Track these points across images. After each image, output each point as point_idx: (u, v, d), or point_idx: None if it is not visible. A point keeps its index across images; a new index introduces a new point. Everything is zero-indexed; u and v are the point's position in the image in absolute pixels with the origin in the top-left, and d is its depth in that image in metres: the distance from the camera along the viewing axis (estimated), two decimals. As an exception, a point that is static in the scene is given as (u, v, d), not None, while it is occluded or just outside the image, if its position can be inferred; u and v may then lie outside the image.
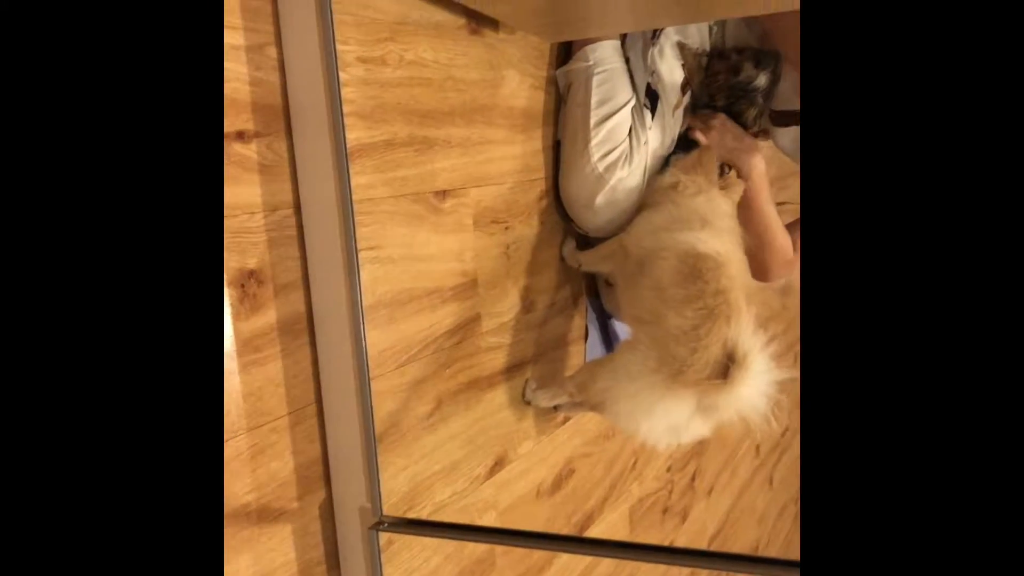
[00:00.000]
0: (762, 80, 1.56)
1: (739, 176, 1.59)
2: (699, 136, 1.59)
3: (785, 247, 1.64)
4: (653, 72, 1.55)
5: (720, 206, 1.50)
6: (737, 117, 1.61)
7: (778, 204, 1.70)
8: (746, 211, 1.60)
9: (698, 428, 1.38)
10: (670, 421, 1.37)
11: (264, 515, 1.08)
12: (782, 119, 1.62)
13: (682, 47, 1.58)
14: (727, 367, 1.27)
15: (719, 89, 1.59)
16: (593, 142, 1.50)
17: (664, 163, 1.61)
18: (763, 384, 1.28)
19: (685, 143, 1.61)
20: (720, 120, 1.59)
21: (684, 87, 1.59)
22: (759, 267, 1.63)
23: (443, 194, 1.33)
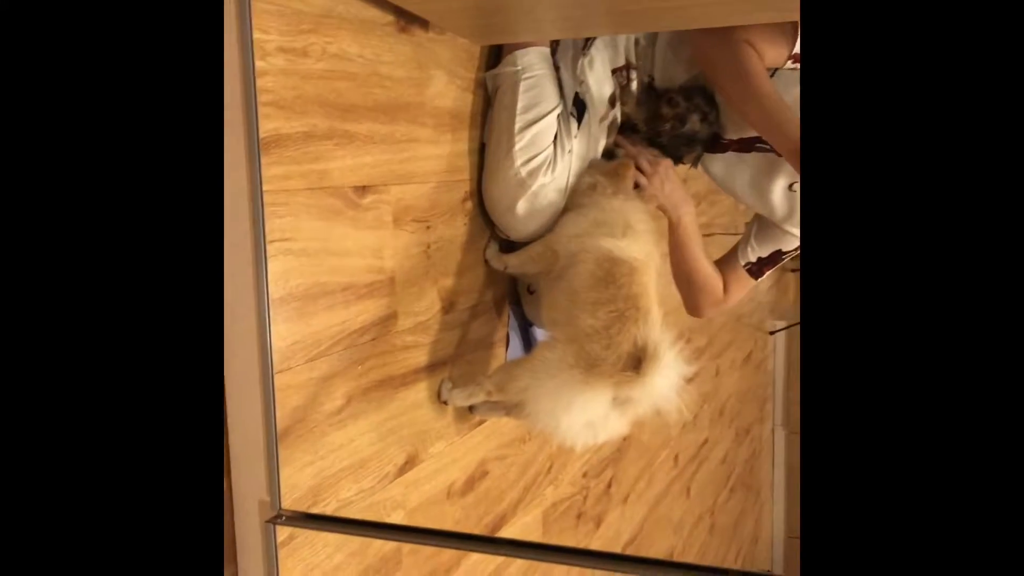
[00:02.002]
0: (704, 132, 1.61)
1: (670, 223, 1.65)
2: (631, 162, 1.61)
3: (715, 289, 1.72)
4: (582, 82, 1.57)
5: (639, 208, 1.53)
6: (676, 158, 1.65)
7: (705, 235, 1.76)
8: (677, 257, 1.69)
9: (615, 425, 1.42)
10: (588, 417, 1.40)
11: (157, 505, 1.06)
12: (713, 146, 1.65)
13: (616, 72, 1.61)
14: (639, 360, 1.31)
15: (663, 134, 1.62)
16: (517, 147, 1.51)
17: None
18: (674, 376, 1.32)
19: (608, 154, 1.63)
20: (665, 167, 1.61)
21: (612, 101, 1.62)
22: (691, 306, 1.75)
23: (363, 190, 1.33)
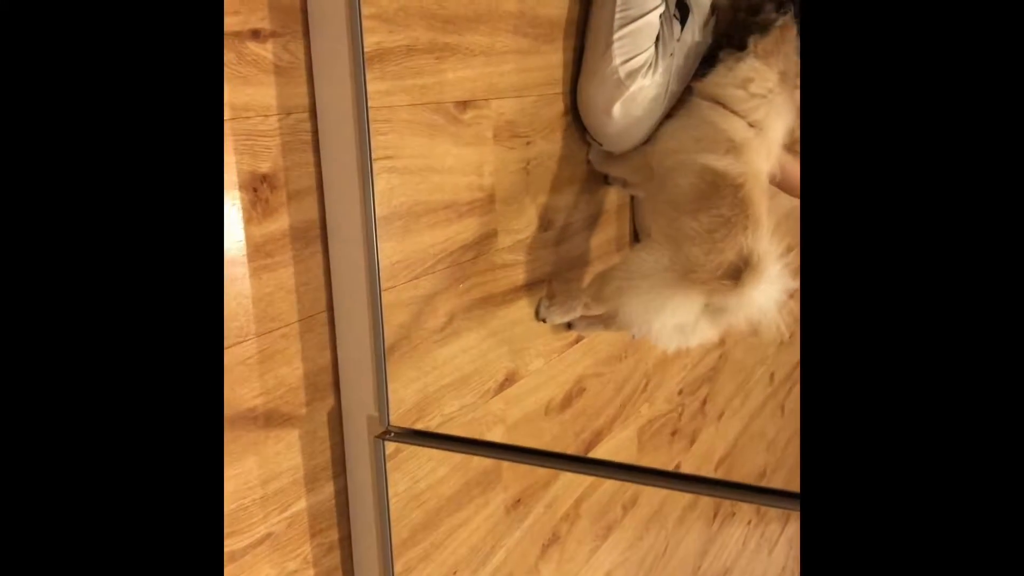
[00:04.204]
0: (780, 22, 1.50)
1: None
2: None
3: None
4: (687, -17, 1.49)
5: (774, 114, 1.45)
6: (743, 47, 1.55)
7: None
8: None
9: (706, 331, 1.40)
10: (679, 320, 1.38)
11: (271, 419, 1.09)
12: None
13: None
14: (740, 271, 1.27)
15: (733, 25, 1.53)
16: (616, 44, 1.44)
17: (693, 75, 1.55)
18: (775, 291, 1.28)
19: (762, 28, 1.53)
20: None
21: (714, 7, 1.53)
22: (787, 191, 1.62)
23: (463, 105, 1.30)
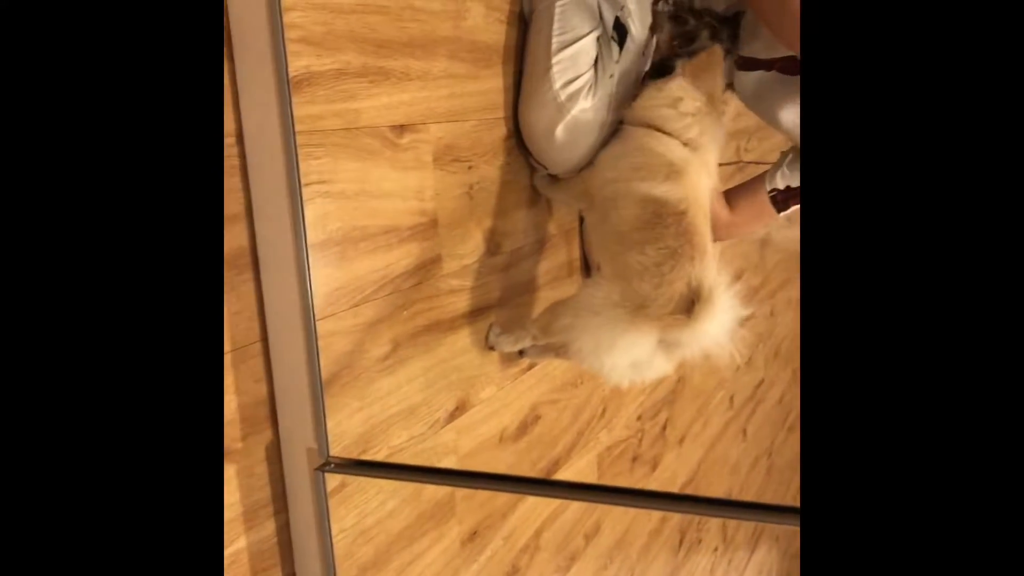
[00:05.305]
0: (708, 47, 1.52)
1: None
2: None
3: (719, 215, 1.58)
4: (622, 7, 1.49)
5: (707, 133, 1.45)
6: None
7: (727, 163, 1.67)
8: None
9: (661, 365, 1.37)
10: (633, 357, 1.35)
11: (206, 455, 1.05)
12: (747, 64, 1.56)
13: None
14: (691, 303, 1.26)
15: (672, 54, 1.54)
16: (555, 68, 1.44)
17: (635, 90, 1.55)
18: (728, 321, 1.27)
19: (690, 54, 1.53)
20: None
21: (652, 28, 1.54)
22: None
23: (401, 129, 1.28)
